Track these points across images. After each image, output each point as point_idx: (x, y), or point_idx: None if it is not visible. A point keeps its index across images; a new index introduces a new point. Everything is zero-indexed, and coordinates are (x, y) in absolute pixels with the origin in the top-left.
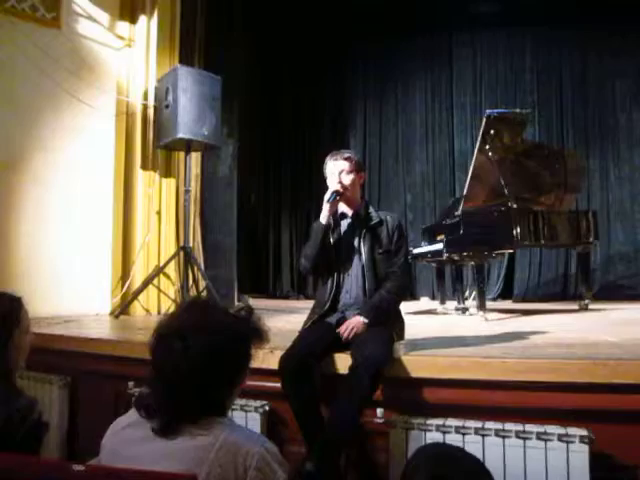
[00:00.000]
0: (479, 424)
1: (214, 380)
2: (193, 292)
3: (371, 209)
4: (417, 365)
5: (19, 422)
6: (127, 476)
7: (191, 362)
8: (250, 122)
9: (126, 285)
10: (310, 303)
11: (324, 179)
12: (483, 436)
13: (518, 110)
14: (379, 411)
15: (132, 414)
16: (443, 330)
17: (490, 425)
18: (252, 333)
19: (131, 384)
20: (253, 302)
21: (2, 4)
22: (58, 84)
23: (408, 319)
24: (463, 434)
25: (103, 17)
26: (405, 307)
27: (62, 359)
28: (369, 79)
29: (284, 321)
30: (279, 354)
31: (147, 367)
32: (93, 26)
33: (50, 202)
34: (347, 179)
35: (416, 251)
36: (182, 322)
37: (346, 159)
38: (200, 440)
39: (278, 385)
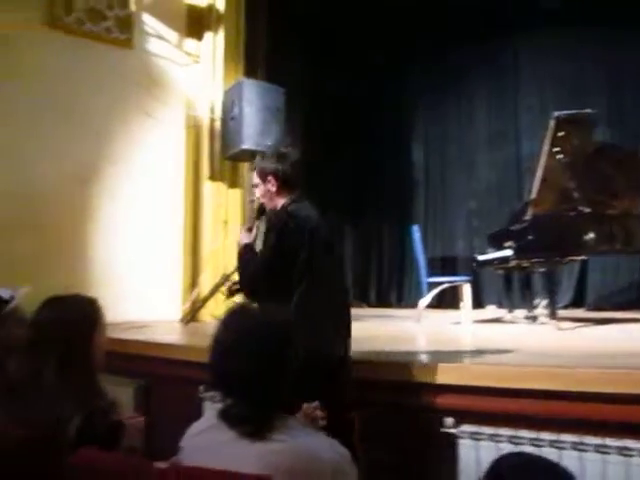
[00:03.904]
0: (554, 437)
1: (276, 377)
2: None
3: (285, 212)
4: (485, 374)
5: (99, 422)
6: (209, 476)
7: (250, 366)
8: (312, 132)
9: (195, 293)
10: (374, 311)
11: (387, 188)
12: (559, 449)
13: (587, 111)
14: (448, 420)
15: (209, 418)
16: (512, 339)
17: (566, 438)
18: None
19: (202, 388)
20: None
21: (80, 28)
22: (130, 100)
23: (475, 327)
24: (537, 446)
25: (172, 36)
26: (471, 315)
27: (137, 363)
28: (429, 85)
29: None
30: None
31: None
32: (162, 44)
33: (123, 213)
34: (258, 192)
35: (482, 258)
36: (229, 330)
37: (255, 169)
38: (277, 445)
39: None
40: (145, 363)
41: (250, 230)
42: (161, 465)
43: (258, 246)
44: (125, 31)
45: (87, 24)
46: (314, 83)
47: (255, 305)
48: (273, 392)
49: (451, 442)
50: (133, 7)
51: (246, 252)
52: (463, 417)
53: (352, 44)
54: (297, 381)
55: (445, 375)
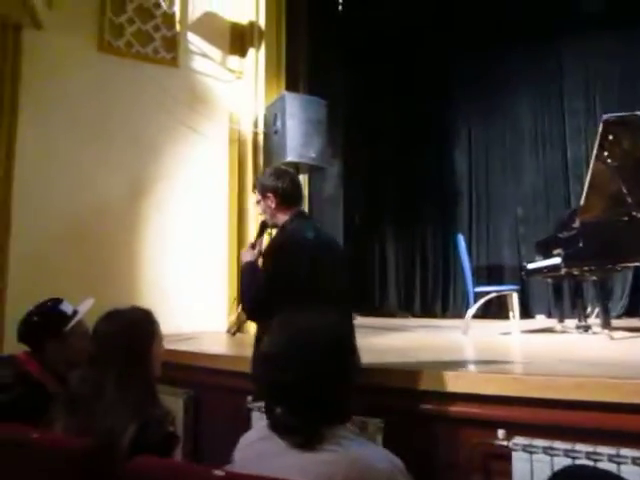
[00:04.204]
0: (613, 451)
1: (327, 387)
2: None
3: (290, 230)
4: (538, 385)
5: (154, 431)
6: None
7: (300, 376)
8: (354, 142)
9: (241, 305)
10: (419, 321)
11: (430, 196)
12: (618, 464)
13: (637, 113)
14: (500, 432)
15: (260, 429)
16: (564, 349)
17: (627, 452)
18: (341, 332)
19: (249, 398)
20: (360, 320)
21: (129, 50)
22: (176, 118)
23: (525, 338)
24: (594, 460)
25: (215, 53)
26: (520, 326)
27: (186, 373)
28: (473, 90)
29: (391, 339)
30: (395, 372)
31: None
32: (206, 62)
33: (171, 227)
34: (259, 209)
35: (531, 266)
36: (278, 341)
37: (255, 187)
38: (330, 455)
39: (394, 402)
40: (194, 373)
41: (254, 247)
42: (219, 473)
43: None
44: (171, 51)
45: (136, 46)
46: (355, 94)
47: (305, 314)
48: (324, 402)
49: (504, 455)
50: (178, 27)
51: (248, 270)
52: (515, 429)
53: (393, 54)
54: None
55: (496, 386)
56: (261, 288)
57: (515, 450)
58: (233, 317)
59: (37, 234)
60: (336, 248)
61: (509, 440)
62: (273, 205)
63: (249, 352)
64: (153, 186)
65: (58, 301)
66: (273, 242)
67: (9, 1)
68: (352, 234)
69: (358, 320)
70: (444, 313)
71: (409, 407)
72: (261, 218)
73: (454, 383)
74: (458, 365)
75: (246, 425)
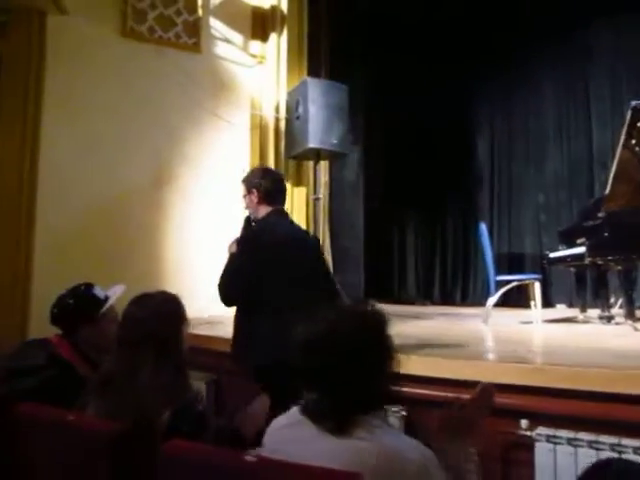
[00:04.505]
0: (637, 443)
1: (363, 374)
2: None
3: (260, 224)
4: (562, 375)
5: (187, 413)
6: (297, 470)
7: (334, 362)
8: (375, 128)
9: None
10: (438, 309)
11: (451, 183)
12: None
13: None
14: (523, 422)
15: (291, 414)
16: (586, 340)
17: None
18: (377, 318)
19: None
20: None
21: (152, 35)
22: (199, 103)
23: (546, 327)
24: (619, 452)
25: (237, 38)
26: (541, 315)
27: (209, 357)
28: (496, 76)
29: (414, 326)
30: (415, 359)
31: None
32: (229, 47)
33: (194, 213)
34: (244, 203)
35: (554, 255)
36: (312, 326)
37: (242, 182)
38: (362, 444)
39: (415, 391)
40: (216, 358)
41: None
42: (250, 458)
43: None
44: (193, 36)
45: (158, 31)
46: (376, 79)
47: (341, 301)
48: (358, 389)
49: (526, 445)
50: (200, 12)
51: (229, 261)
52: (539, 420)
53: (415, 39)
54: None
55: (519, 375)
56: (227, 274)
57: (538, 440)
58: None
59: (63, 219)
60: (306, 241)
61: (532, 430)
62: (256, 200)
63: None
64: (176, 171)
65: (91, 286)
66: (245, 233)
67: None
68: (372, 220)
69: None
70: (463, 301)
71: (429, 395)
72: (247, 212)
73: (475, 371)
74: (480, 354)
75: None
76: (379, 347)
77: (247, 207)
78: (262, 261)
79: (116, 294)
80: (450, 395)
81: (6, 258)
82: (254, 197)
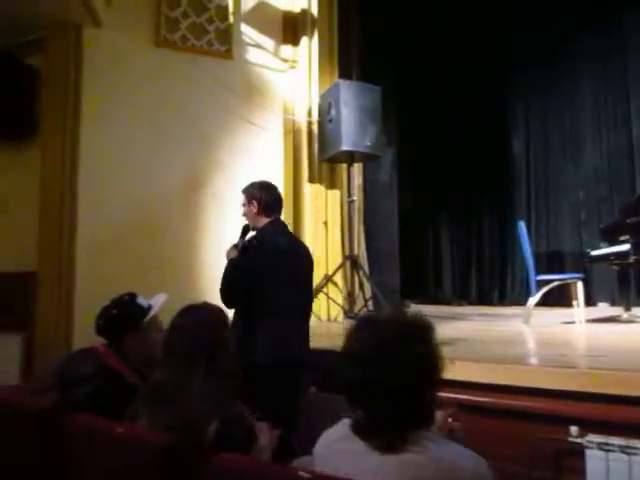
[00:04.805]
0: None
1: (412, 388)
2: (360, 299)
3: (261, 233)
4: (613, 380)
5: (237, 426)
6: None
7: (383, 378)
8: (407, 128)
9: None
10: (476, 309)
11: (486, 182)
12: None
13: None
14: (573, 429)
15: (343, 427)
16: (635, 340)
17: None
18: (423, 327)
19: (313, 389)
20: (415, 308)
21: (185, 44)
22: (232, 109)
23: (590, 328)
24: None
25: (268, 43)
26: (583, 314)
27: None
28: (529, 70)
29: (453, 328)
30: (460, 364)
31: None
32: (260, 53)
33: (227, 217)
34: (242, 211)
35: (596, 253)
36: (360, 340)
37: (243, 192)
38: (414, 457)
39: (461, 397)
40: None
41: (237, 247)
42: (305, 475)
43: None
44: (225, 43)
45: (191, 39)
46: (407, 79)
47: (386, 313)
48: (408, 405)
49: (577, 452)
50: (231, 19)
51: (228, 266)
52: (589, 426)
53: (448, 38)
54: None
55: (567, 381)
56: (228, 278)
57: (589, 448)
58: None
59: (102, 227)
60: (301, 251)
61: (582, 437)
62: (255, 211)
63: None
64: (211, 177)
65: (134, 295)
66: (247, 242)
67: (70, 2)
68: (406, 221)
69: (412, 308)
70: (501, 301)
71: (474, 401)
72: (244, 221)
73: (521, 376)
74: (524, 357)
75: (309, 416)
76: (428, 358)
77: (245, 215)
78: (264, 267)
79: (159, 303)
80: (495, 401)
81: (50, 267)
82: (254, 208)
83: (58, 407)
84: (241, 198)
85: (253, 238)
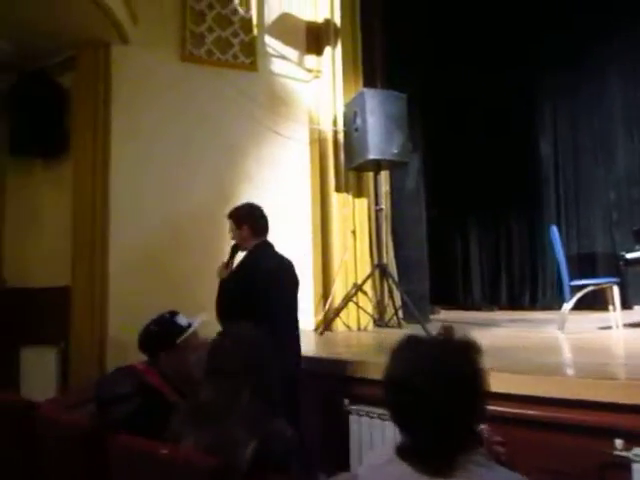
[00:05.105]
0: None
1: (457, 412)
2: (389, 308)
3: (252, 254)
4: None
5: (276, 446)
6: None
7: (429, 403)
8: (433, 134)
9: (328, 303)
10: (507, 314)
11: (514, 184)
12: None
13: None
14: (618, 442)
15: (388, 450)
16: None
17: None
18: (470, 350)
19: (347, 401)
20: (445, 314)
21: (210, 58)
22: (257, 120)
23: (629, 333)
24: None
25: (292, 54)
26: (620, 319)
27: None
28: (557, 68)
29: (485, 336)
30: (497, 375)
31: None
32: (284, 64)
33: None
34: (232, 235)
35: (631, 256)
36: (404, 362)
37: (229, 217)
38: None
39: (499, 409)
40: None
41: (227, 266)
42: None
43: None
44: (250, 55)
45: (216, 54)
46: (434, 85)
47: (429, 335)
48: (453, 429)
49: (623, 466)
50: (255, 31)
51: (221, 284)
52: (635, 440)
53: (472, 42)
54: None
55: (609, 392)
56: (226, 297)
57: (636, 462)
58: (320, 316)
59: (133, 241)
60: (290, 270)
61: (628, 451)
62: (245, 235)
63: (342, 354)
64: (237, 188)
65: (175, 313)
66: (241, 263)
67: (99, 21)
68: (434, 227)
69: (442, 314)
70: (533, 305)
71: (512, 413)
72: (232, 242)
73: (561, 387)
74: (563, 366)
75: (344, 428)
76: (473, 382)
77: (235, 238)
78: (260, 284)
79: (198, 322)
80: (533, 413)
81: (83, 281)
82: (244, 232)
83: (100, 427)
84: (229, 223)
85: (248, 260)
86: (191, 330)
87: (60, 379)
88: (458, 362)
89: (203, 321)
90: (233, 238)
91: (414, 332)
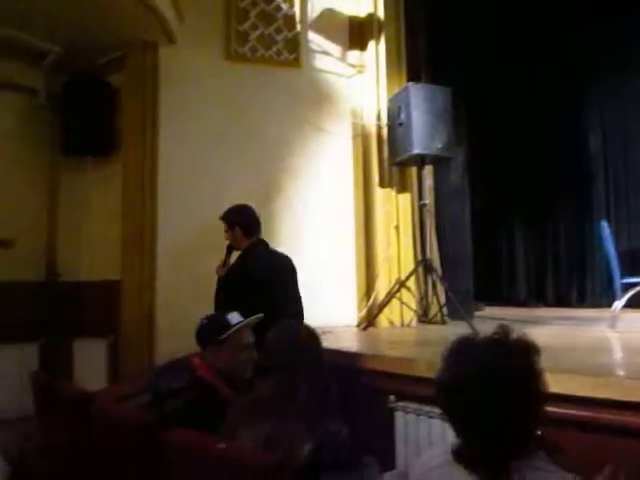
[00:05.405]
0: None
1: (514, 415)
2: (433, 304)
3: (247, 253)
4: None
5: (332, 445)
6: None
7: (487, 404)
8: (478, 127)
9: (371, 298)
10: (554, 312)
11: (561, 178)
12: None
13: None
14: None
15: (442, 453)
16: None
17: None
18: (528, 352)
19: (392, 398)
20: (489, 310)
21: (254, 56)
22: (301, 116)
23: None
24: None
25: (335, 50)
26: None
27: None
28: (604, 59)
29: (533, 334)
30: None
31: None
32: (327, 59)
33: (301, 224)
34: (226, 236)
35: None
36: (462, 368)
37: (222, 219)
38: None
39: (554, 410)
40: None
41: (224, 264)
42: None
43: None
44: (293, 51)
45: (260, 51)
46: (478, 79)
47: (482, 337)
48: (513, 431)
49: None
50: (299, 27)
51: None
52: None
53: (517, 33)
54: None
55: None
56: (222, 293)
57: None
58: (363, 312)
59: (180, 237)
60: (286, 262)
61: None
62: (238, 235)
63: (387, 350)
64: (282, 185)
65: (229, 311)
66: (237, 262)
67: (147, 21)
68: (479, 222)
69: (486, 311)
70: (581, 303)
71: (570, 414)
72: (227, 242)
73: (621, 389)
74: (620, 367)
75: (389, 425)
76: (531, 384)
77: (229, 239)
78: (258, 279)
79: (247, 321)
80: (586, 414)
81: (132, 275)
82: (237, 233)
83: (154, 420)
84: (223, 225)
85: (244, 257)
86: (234, 329)
87: (110, 369)
88: (516, 363)
89: (253, 320)
90: (227, 239)
91: (466, 331)
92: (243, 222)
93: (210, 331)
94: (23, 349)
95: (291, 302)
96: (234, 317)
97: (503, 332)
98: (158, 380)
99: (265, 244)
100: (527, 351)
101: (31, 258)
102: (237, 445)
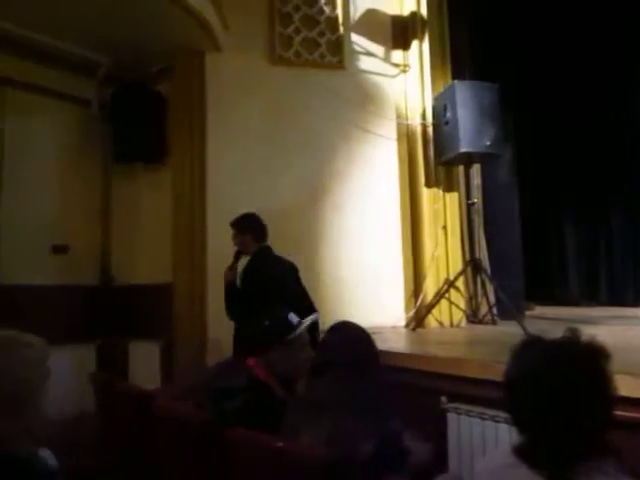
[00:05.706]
0: None
1: (581, 417)
2: (483, 304)
3: (257, 257)
4: None
5: (390, 446)
6: None
7: (550, 405)
8: (527, 124)
9: (419, 299)
10: (609, 311)
11: (612, 173)
12: None
13: None
14: None
15: (506, 454)
16: None
17: None
18: (596, 354)
19: (444, 399)
20: (540, 310)
21: (298, 59)
22: (346, 118)
23: None
24: None
25: (379, 50)
26: None
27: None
28: None
29: (590, 335)
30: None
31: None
32: (371, 60)
33: (347, 226)
34: (235, 241)
35: None
36: (530, 369)
37: (231, 225)
38: None
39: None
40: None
41: (231, 269)
42: None
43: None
44: (337, 54)
45: (304, 54)
46: (526, 75)
47: (551, 336)
48: (580, 433)
49: None
50: (342, 29)
51: (228, 286)
52: None
53: (564, 29)
54: None
55: None
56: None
57: None
58: (411, 313)
59: (229, 239)
60: (291, 267)
61: None
62: (248, 240)
63: (436, 350)
64: (329, 187)
65: (288, 312)
66: (248, 266)
67: (193, 31)
68: (528, 220)
69: (537, 310)
70: (637, 302)
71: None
72: (235, 248)
73: None
74: None
75: (442, 427)
76: (599, 386)
77: (237, 245)
78: (269, 282)
79: (308, 322)
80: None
81: (183, 278)
82: (247, 238)
83: (213, 419)
84: (232, 230)
85: (258, 262)
86: (299, 330)
87: (164, 370)
88: (585, 365)
89: (312, 320)
90: (236, 244)
91: (517, 331)
92: (254, 228)
93: (276, 332)
94: (80, 350)
95: (304, 297)
96: (293, 317)
97: (573, 334)
98: (216, 380)
99: (271, 249)
100: (597, 353)
101: (86, 263)
102: (296, 443)
